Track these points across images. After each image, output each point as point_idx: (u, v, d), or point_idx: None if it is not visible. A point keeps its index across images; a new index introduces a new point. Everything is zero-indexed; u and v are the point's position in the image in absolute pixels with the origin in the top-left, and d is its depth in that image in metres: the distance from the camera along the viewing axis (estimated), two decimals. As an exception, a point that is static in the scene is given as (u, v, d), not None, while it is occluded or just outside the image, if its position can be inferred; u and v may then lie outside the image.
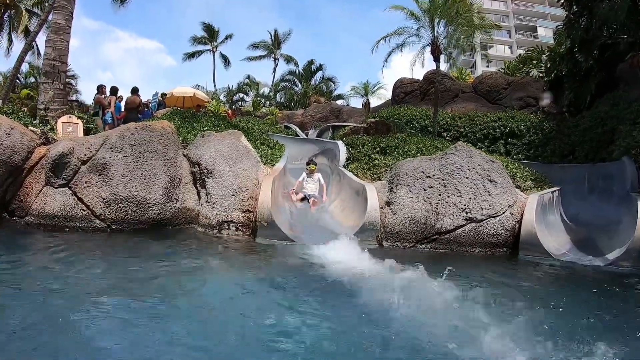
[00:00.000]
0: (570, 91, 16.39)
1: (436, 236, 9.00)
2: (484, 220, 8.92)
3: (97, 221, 8.92)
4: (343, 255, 7.74)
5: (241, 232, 9.47)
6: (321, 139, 17.96)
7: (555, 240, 9.59)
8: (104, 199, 8.93)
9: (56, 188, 8.96)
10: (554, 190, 11.31)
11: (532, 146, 15.20)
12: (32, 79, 36.37)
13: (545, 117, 16.34)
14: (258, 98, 38.16)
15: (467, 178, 9.35)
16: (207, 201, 9.82)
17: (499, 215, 8.99)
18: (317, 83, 44.58)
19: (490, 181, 9.37)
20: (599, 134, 13.87)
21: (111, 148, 9.33)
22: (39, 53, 30.91)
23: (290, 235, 9.11)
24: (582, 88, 15.95)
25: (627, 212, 9.57)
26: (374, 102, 28.29)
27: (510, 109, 17.46)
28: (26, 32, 28.33)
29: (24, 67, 34.56)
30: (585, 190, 13.40)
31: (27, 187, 8.98)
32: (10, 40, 31.44)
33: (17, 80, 22.27)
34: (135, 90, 15.48)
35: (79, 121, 12.01)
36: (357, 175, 11.24)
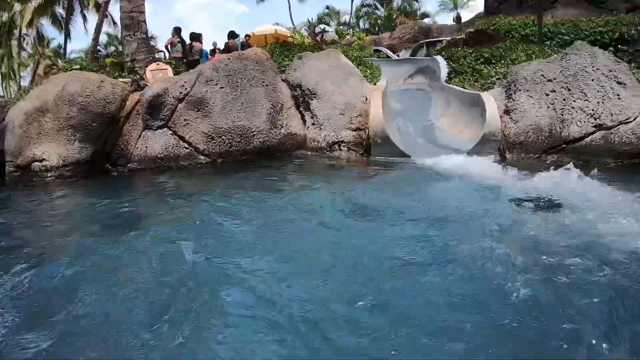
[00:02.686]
0: None
1: (563, 145, 8.68)
2: (615, 126, 8.46)
3: (201, 157, 9.22)
4: (476, 165, 7.67)
5: (354, 152, 9.57)
6: (416, 57, 17.50)
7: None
8: (205, 133, 9.14)
9: (155, 130, 9.26)
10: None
11: (647, 52, 14.10)
12: (113, 48, 36.98)
13: (659, 18, 15.03)
14: (341, 27, 37.14)
15: (592, 80, 8.84)
16: (313, 124, 9.88)
17: (630, 122, 8.47)
18: (400, 4, 42.98)
19: (619, 83, 8.83)
20: None
21: (206, 81, 9.44)
22: (114, 22, 31.63)
23: (406, 151, 9.06)
24: None
25: None
26: (465, 15, 27.20)
27: (617, 13, 16.19)
28: (97, 6, 29.17)
29: (103, 38, 35.31)
30: None
31: (125, 135, 9.25)
32: (84, 18, 32.69)
33: (98, 52, 22.73)
34: (232, 34, 15.38)
35: (168, 66, 12.12)
36: (463, 88, 10.89)
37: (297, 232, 4.85)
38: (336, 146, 9.66)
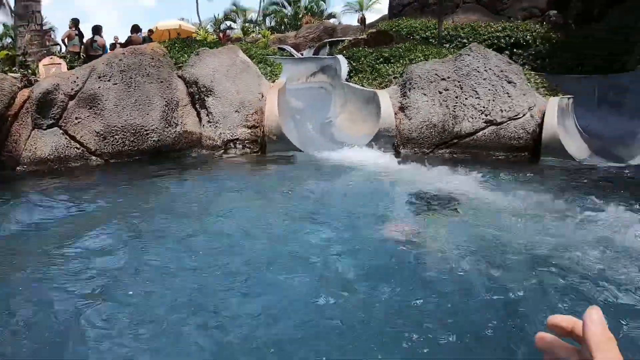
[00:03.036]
0: (578, 0, 15.83)
1: (455, 140, 8.83)
2: (505, 122, 8.73)
3: (93, 158, 8.55)
4: (366, 157, 7.64)
5: (249, 149, 9.26)
6: (318, 56, 17.40)
7: (575, 145, 9.38)
8: (97, 132, 8.50)
9: (45, 130, 8.47)
10: (569, 97, 11.04)
11: (539, 57, 14.82)
12: (9, 40, 34.31)
13: (552, 27, 15.86)
14: (247, 24, 36.63)
15: (484, 79, 9.09)
16: (209, 121, 9.51)
17: (519, 118, 8.81)
18: (307, 3, 43.16)
19: (509, 82, 9.14)
20: (612, 44, 13.56)
21: (99, 77, 8.79)
22: (12, 12, 29.13)
23: (303, 147, 8.94)
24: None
25: None
26: (370, 17, 27.56)
27: (514, 20, 16.94)
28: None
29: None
30: (594, 102, 13.15)
31: (14, 135, 8.36)
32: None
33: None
34: (136, 29, 14.49)
35: (62, 60, 11.19)
36: (362, 86, 10.86)
37: (175, 234, 4.45)
38: (232, 144, 9.29)
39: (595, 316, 0.63)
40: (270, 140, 9.00)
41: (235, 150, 9.23)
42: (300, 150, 8.83)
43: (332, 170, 7.30)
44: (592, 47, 14.06)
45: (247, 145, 9.29)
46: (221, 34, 20.83)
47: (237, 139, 9.30)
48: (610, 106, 12.63)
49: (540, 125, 8.90)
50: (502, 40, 14.74)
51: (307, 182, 6.59)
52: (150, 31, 16.92)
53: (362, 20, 25.20)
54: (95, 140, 8.51)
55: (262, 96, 9.66)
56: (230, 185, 6.63)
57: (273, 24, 43.65)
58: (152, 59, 9.35)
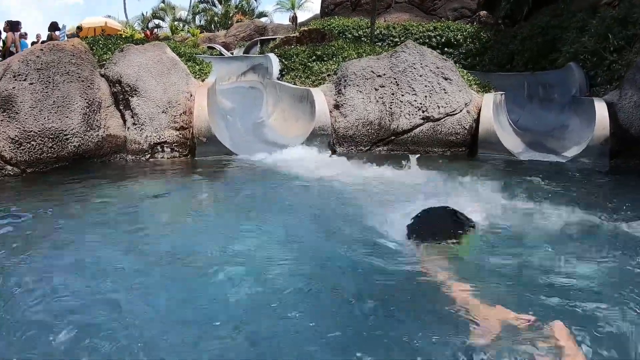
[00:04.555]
0: (507, 3, 16.46)
1: (392, 137, 8.66)
2: (442, 118, 8.65)
3: (8, 167, 7.59)
4: (301, 158, 7.29)
5: (177, 153, 8.68)
6: (249, 55, 16.96)
7: (511, 140, 9.43)
8: (12, 139, 7.57)
9: None
10: (502, 94, 11.16)
11: (469, 55, 15.23)
12: None
13: (482, 27, 16.25)
14: (176, 22, 35.43)
15: (420, 76, 8.98)
16: (134, 123, 8.83)
17: (456, 114, 8.76)
18: (237, 2, 42.41)
19: (445, 79, 9.08)
20: (539, 43, 14.00)
21: (14, 77, 7.87)
22: None
23: (234, 149, 8.46)
24: (520, 0, 16.08)
25: (574, 115, 9.78)
26: (302, 16, 27.31)
27: (445, 20, 17.18)
28: None
29: None
30: (524, 98, 13.46)
31: None
32: None
33: None
34: (54, 27, 13.47)
35: None
36: (294, 85, 10.52)
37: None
38: (159, 147, 8.67)
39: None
40: (199, 142, 8.48)
41: (163, 154, 8.64)
42: (233, 153, 8.37)
43: (265, 175, 6.88)
44: (521, 45, 14.48)
45: (176, 148, 8.72)
46: (148, 32, 19.93)
47: (165, 142, 8.71)
48: (540, 101, 12.96)
49: (477, 121, 8.89)
50: (434, 39, 14.97)
51: (239, 188, 6.13)
52: (79, 28, 15.89)
53: (294, 19, 24.94)
54: (9, 147, 7.62)
55: (191, 95, 9.12)
56: (153, 192, 6.02)
57: (203, 22, 42.57)
58: (73, 55, 8.57)
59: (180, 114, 8.82)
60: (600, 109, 8.48)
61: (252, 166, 7.55)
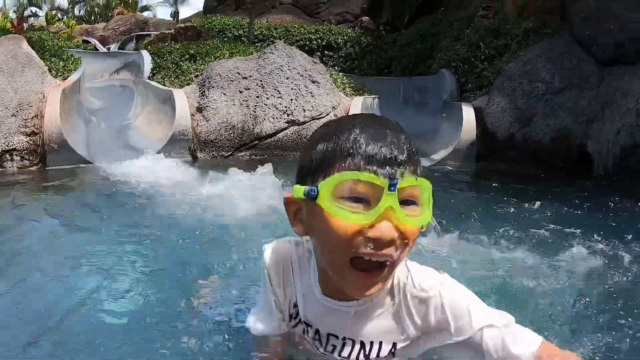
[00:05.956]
0: (390, 10, 16.75)
1: (256, 142, 8.40)
2: (307, 122, 8.54)
3: None
4: (153, 171, 6.77)
5: (28, 162, 7.79)
6: (123, 51, 16.05)
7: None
8: None
9: None
10: (374, 97, 11.30)
11: (349, 59, 15.37)
12: None
13: (363, 32, 16.49)
14: (53, 11, 32.89)
15: (287, 79, 8.80)
16: (-22, 128, 7.84)
17: (322, 117, 8.61)
18: None
19: (313, 82, 8.97)
20: (417, 49, 14.43)
21: None
22: None
23: (88, 157, 7.77)
24: (403, 8, 16.62)
25: (445, 119, 10.03)
26: (185, 12, 26.48)
27: (327, 23, 17.29)
28: None
29: None
30: (400, 102, 13.76)
31: None
32: None
33: None
34: None
35: None
36: (163, 85, 9.98)
37: None
38: (7, 156, 7.74)
39: None
40: (50, 149, 7.66)
41: (12, 164, 7.72)
42: (89, 162, 7.65)
43: (114, 186, 6.12)
44: (400, 51, 14.84)
45: (26, 156, 7.85)
46: (15, 22, 18.26)
47: (14, 150, 7.79)
48: (414, 106, 13.32)
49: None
50: (314, 42, 14.95)
51: (77, 205, 5.35)
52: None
53: (176, 14, 24.10)
54: None
55: (44, 96, 8.30)
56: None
57: (83, 12, 40.01)
58: None
59: (32, 118, 7.98)
60: (468, 113, 8.75)
61: (105, 176, 6.83)
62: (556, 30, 9.22)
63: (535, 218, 4.67)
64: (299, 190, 1.21)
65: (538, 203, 4.97)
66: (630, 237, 3.80)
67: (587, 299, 2.65)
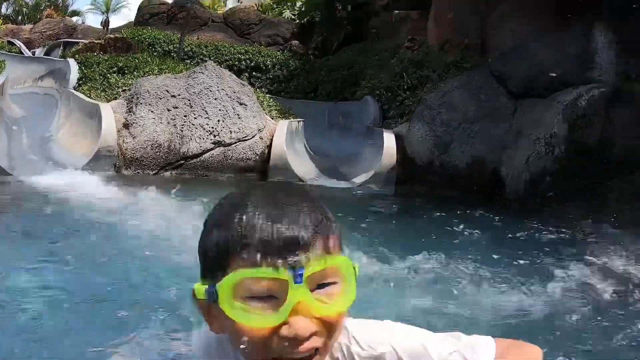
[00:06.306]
0: (320, 36, 17.34)
1: (182, 161, 8.52)
2: (233, 143, 8.73)
3: None
4: (73, 186, 6.69)
5: None
6: (50, 57, 15.50)
7: (304, 166, 9.82)
8: None
9: None
10: (299, 121, 11.64)
11: (276, 81, 15.62)
12: None
13: (292, 55, 16.83)
14: None
15: (215, 99, 8.98)
16: None
17: (248, 139, 8.88)
18: None
19: (241, 104, 9.18)
20: (344, 75, 14.88)
21: None
22: None
23: (9, 168, 7.50)
24: (332, 35, 17.06)
25: (367, 144, 10.51)
26: (116, 22, 25.74)
27: (258, 44, 17.53)
28: None
29: None
30: (325, 125, 14.14)
31: None
32: None
33: None
34: None
35: None
36: (89, 97, 9.80)
37: None
38: None
39: None
40: (-34, 161, 7.39)
41: None
42: (8, 174, 7.34)
43: (38, 202, 6.06)
44: (327, 76, 15.27)
45: None
46: None
47: None
48: (339, 130, 13.76)
49: (269, 147, 9.12)
50: (243, 62, 15.14)
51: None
52: None
53: (106, 23, 23.52)
54: None
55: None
56: None
57: (10, 11, 37.80)
58: None
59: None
60: (389, 139, 9.28)
61: (28, 191, 6.68)
62: (475, 64, 10.06)
63: (447, 238, 5.09)
64: (200, 291, 1.02)
65: (458, 223, 5.38)
66: (538, 252, 4.54)
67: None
